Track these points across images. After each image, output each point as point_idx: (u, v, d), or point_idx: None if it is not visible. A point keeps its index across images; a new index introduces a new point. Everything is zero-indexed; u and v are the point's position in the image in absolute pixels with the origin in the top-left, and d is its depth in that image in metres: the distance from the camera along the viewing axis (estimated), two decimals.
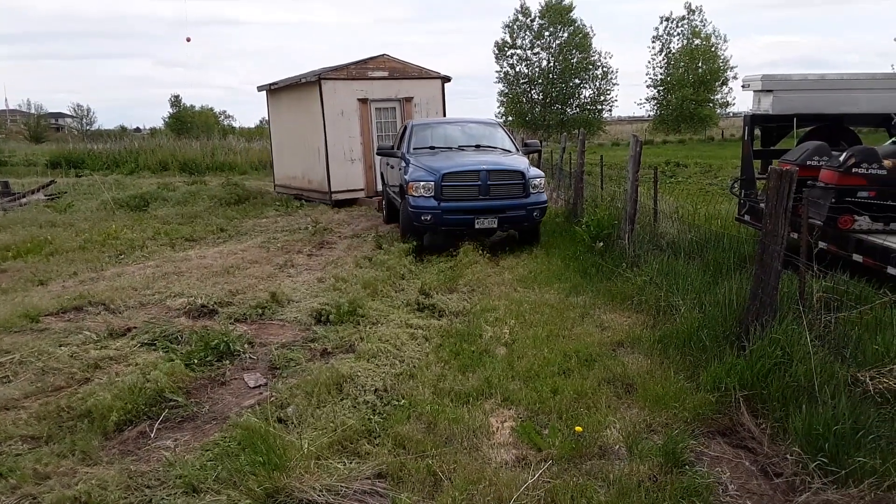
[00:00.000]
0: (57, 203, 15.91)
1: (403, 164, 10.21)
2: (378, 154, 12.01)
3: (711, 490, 3.31)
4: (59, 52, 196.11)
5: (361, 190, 15.92)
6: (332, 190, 15.56)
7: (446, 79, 16.73)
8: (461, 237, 9.68)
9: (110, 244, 10.51)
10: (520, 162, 9.95)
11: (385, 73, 15.82)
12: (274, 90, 18.10)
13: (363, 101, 15.60)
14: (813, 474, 3.26)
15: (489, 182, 9.27)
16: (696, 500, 3.19)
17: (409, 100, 16.07)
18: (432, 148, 10.61)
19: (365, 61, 15.70)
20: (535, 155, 14.48)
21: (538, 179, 9.64)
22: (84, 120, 76.25)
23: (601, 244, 8.26)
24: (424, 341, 5.74)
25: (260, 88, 18.64)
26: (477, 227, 9.30)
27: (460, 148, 10.66)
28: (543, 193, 9.72)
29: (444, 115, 16.09)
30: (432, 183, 9.24)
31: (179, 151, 30.51)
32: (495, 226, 9.38)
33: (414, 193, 9.34)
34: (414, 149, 10.57)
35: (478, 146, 10.77)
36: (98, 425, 4.10)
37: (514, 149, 10.87)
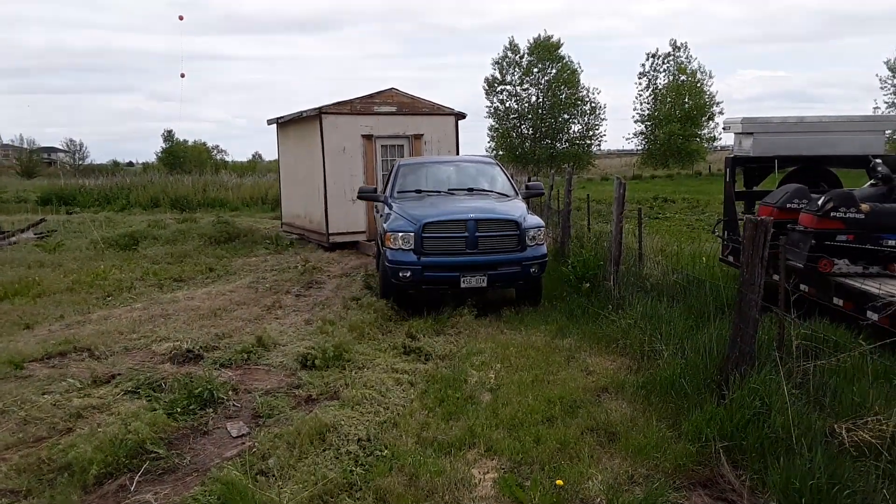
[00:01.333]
0: (47, 242, 15.86)
1: (386, 209, 9.17)
2: (359, 198, 10.37)
3: None
4: (52, 87, 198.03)
5: (363, 233, 14.78)
6: (330, 231, 14.53)
7: (461, 115, 15.60)
8: (445, 296, 8.63)
9: (98, 285, 10.48)
10: (515, 209, 8.76)
11: (393, 109, 14.77)
12: (282, 124, 17.21)
13: (368, 137, 14.56)
14: None
15: (477, 234, 8.12)
16: None
17: (418, 137, 14.96)
18: (418, 192, 9.54)
19: (371, 96, 14.66)
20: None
21: (536, 230, 8.43)
22: (76, 154, 76.58)
23: (587, 285, 8.29)
24: (409, 387, 5.75)
25: (270, 122, 17.92)
26: (463, 285, 8.14)
27: (450, 192, 9.57)
28: (543, 246, 8.56)
29: (458, 154, 14.90)
30: (412, 234, 8.12)
31: (171, 187, 30.48)
32: (485, 284, 8.20)
33: (392, 246, 8.20)
34: (398, 192, 9.55)
35: (471, 189, 9.69)
36: (78, 479, 4.08)
37: (512, 192, 9.75)
